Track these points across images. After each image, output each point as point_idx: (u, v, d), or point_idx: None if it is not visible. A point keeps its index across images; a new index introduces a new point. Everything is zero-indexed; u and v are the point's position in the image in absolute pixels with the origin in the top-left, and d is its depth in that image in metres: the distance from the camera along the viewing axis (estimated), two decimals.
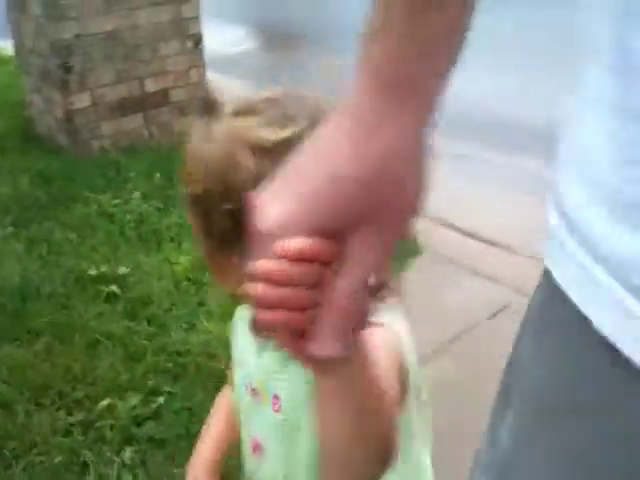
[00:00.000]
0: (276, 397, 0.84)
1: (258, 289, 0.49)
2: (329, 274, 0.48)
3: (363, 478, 0.64)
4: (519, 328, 0.58)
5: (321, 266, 0.48)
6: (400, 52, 0.46)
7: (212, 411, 1.07)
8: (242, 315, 0.92)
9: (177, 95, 3.81)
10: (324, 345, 0.49)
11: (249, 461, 0.93)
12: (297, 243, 0.47)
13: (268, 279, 0.48)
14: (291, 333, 0.50)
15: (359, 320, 0.50)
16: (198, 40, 3.89)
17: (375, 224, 0.48)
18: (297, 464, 0.84)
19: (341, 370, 0.53)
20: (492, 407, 0.61)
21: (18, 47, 3.85)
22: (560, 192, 0.50)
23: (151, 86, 3.71)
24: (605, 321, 0.45)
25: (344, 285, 0.48)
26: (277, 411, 0.84)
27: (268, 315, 0.49)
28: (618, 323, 0.45)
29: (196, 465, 1.01)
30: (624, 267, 0.44)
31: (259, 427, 0.88)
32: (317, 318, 0.48)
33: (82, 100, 3.48)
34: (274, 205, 0.48)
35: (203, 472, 1.00)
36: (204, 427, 1.06)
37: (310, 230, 0.47)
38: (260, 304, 0.49)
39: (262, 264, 0.48)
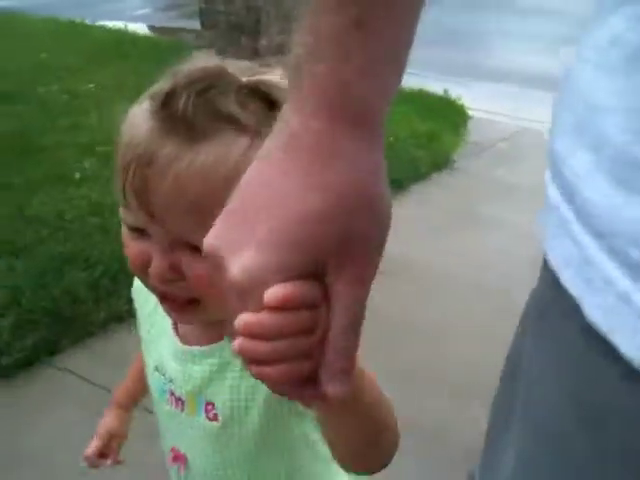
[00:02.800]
0: (210, 404, 0.82)
1: (248, 346, 0.46)
2: (318, 315, 0.46)
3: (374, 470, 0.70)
4: (519, 323, 0.53)
5: (310, 310, 0.46)
6: (350, 72, 0.43)
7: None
8: (146, 294, 0.83)
9: None
10: (335, 387, 0.47)
11: (171, 473, 0.93)
12: (279, 293, 0.44)
13: (256, 334, 0.46)
14: (292, 381, 0.47)
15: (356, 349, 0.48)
16: None
17: (356, 257, 0.46)
18: (229, 472, 0.84)
19: (348, 396, 0.49)
20: (491, 415, 0.56)
21: (204, 10, 6.00)
22: (560, 159, 0.44)
23: None
24: (596, 307, 0.40)
25: (342, 326, 0.46)
26: (213, 419, 0.83)
27: (267, 371, 0.47)
28: (609, 310, 0.39)
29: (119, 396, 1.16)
30: (620, 239, 0.38)
31: (182, 438, 0.87)
32: (323, 361, 0.47)
33: (263, 44, 5.69)
34: (238, 256, 0.46)
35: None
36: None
37: (287, 277, 0.45)
38: (252, 360, 0.47)
39: (246, 319, 0.46)
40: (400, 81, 0.46)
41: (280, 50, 5.83)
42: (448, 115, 5.02)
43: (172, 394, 0.86)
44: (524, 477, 0.48)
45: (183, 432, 0.86)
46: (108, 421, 1.13)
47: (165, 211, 0.69)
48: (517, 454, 0.49)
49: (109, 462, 1.13)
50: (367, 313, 0.47)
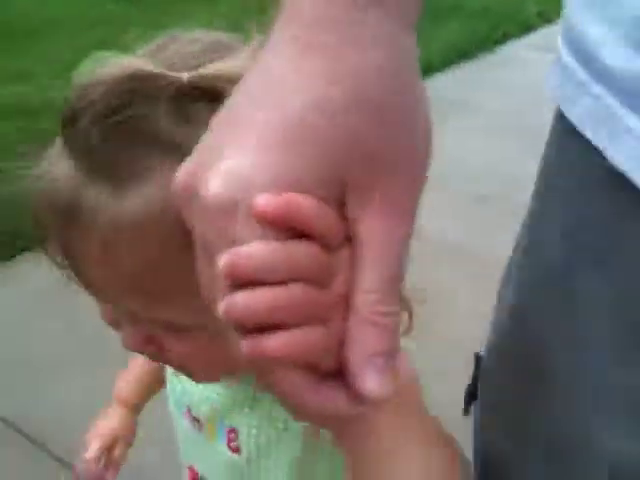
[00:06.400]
0: (233, 432, 0.66)
1: (238, 301, 0.31)
2: (336, 260, 0.32)
3: None
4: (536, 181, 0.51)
5: (320, 245, 0.32)
6: None
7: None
8: None
9: None
10: (371, 380, 0.31)
11: None
12: (276, 198, 0.30)
13: (246, 272, 0.30)
14: (303, 369, 0.32)
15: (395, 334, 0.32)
16: None
17: (390, 178, 0.32)
18: None
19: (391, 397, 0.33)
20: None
21: None
22: (576, 30, 0.43)
23: None
24: (619, 153, 0.39)
25: (373, 280, 0.31)
26: (235, 451, 0.66)
27: (267, 344, 0.30)
28: (632, 154, 0.39)
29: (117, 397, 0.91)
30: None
31: (199, 458, 0.73)
32: (348, 340, 0.31)
33: None
34: (216, 168, 0.31)
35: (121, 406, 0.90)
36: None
37: (308, 187, 0.31)
38: (245, 327, 0.31)
39: (232, 253, 0.31)
40: None
41: None
42: None
43: (189, 411, 0.69)
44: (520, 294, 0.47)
45: (201, 452, 0.71)
46: (111, 423, 0.87)
47: (103, 286, 0.49)
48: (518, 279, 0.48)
49: (109, 475, 0.83)
50: None
